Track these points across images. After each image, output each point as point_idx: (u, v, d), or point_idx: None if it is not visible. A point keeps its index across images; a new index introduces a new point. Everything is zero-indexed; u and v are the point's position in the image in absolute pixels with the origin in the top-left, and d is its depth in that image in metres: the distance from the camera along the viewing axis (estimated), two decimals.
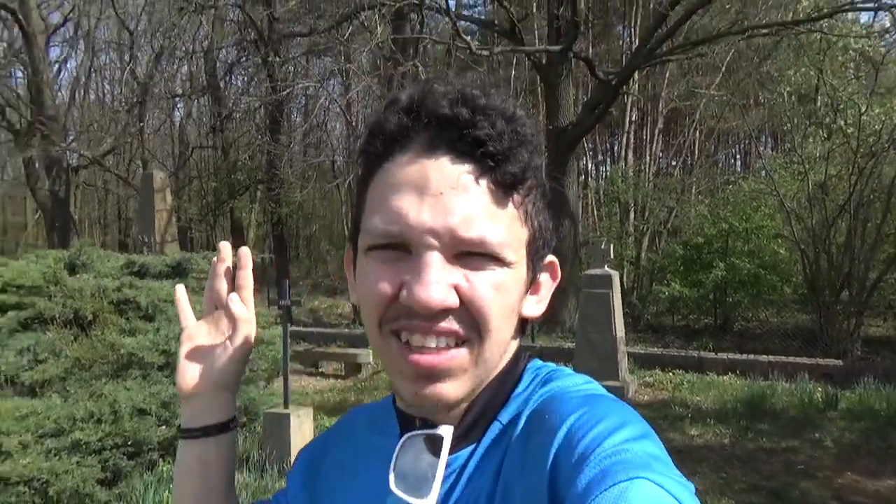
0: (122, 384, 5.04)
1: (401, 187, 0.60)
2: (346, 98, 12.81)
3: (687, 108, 16.19)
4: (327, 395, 8.82)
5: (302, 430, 5.24)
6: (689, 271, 12.20)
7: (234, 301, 0.80)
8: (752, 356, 9.09)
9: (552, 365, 0.72)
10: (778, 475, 5.26)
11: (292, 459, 5.19)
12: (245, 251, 0.83)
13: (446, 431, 0.64)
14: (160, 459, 4.91)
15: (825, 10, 10.20)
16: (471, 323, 0.60)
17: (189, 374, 0.80)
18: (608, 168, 18.95)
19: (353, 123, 14.16)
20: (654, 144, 16.61)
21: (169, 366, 5.40)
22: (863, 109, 10.19)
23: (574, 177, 12.47)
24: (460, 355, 0.61)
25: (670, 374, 8.85)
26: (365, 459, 0.74)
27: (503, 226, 0.61)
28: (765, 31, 10.94)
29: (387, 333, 0.62)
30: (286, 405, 5.30)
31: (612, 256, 8.39)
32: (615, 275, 8.25)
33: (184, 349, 0.81)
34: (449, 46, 12.08)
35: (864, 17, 13.10)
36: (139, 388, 5.03)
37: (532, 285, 0.68)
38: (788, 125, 13.07)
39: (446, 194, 0.59)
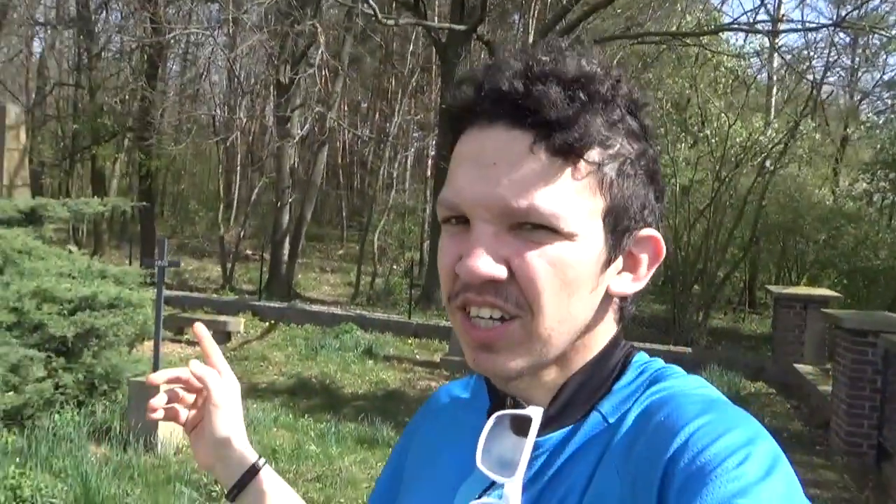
0: None
1: (463, 160, 0.62)
2: (233, 53, 12.09)
3: None
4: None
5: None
6: None
7: (193, 364, 0.86)
8: None
9: (661, 361, 0.67)
10: None
11: (159, 432, 4.90)
12: (198, 328, 0.90)
13: (535, 412, 0.60)
14: (5, 430, 4.45)
15: (708, 27, 10.91)
16: (520, 297, 0.59)
17: (197, 452, 0.88)
18: None
19: (239, 78, 13.44)
20: None
21: (20, 325, 4.88)
22: (731, 123, 11.05)
23: None
24: (511, 330, 0.60)
25: None
26: (452, 436, 0.74)
27: (561, 195, 0.58)
28: (654, 39, 11.53)
29: (454, 307, 0.63)
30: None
31: None
32: None
33: (190, 435, 0.89)
34: (350, 9, 11.70)
35: (737, 40, 14.20)
36: None
37: (623, 260, 0.64)
38: (661, 130, 13.95)
39: (499, 165, 0.59)
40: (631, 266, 0.64)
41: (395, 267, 15.61)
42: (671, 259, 11.71)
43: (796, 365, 8.12)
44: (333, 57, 12.84)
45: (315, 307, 11.30)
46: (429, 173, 17.52)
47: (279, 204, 12.53)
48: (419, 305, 11.97)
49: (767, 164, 11.65)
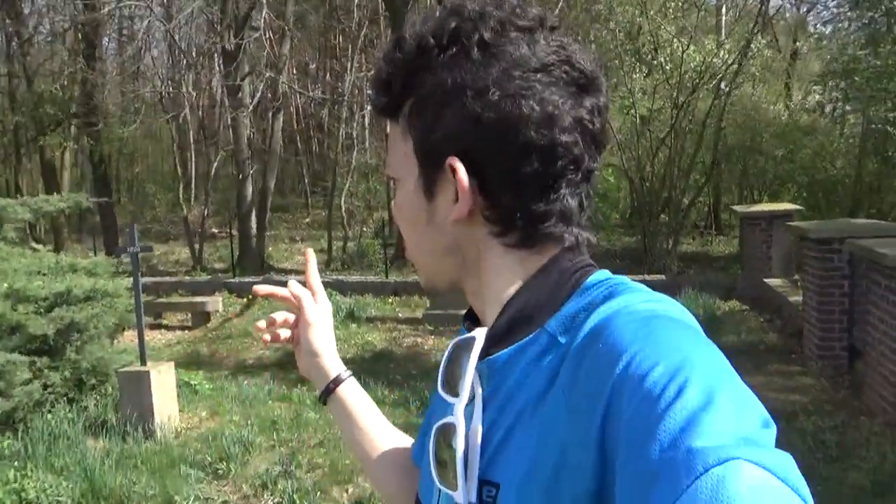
0: None
1: None
2: (172, 24, 11.64)
3: None
4: (177, 348, 8.36)
5: (165, 387, 4.94)
6: None
7: (291, 284, 1.00)
8: None
9: (621, 277, 0.67)
10: None
11: (156, 418, 4.91)
12: (308, 252, 1.03)
13: (479, 332, 0.66)
14: None
15: None
16: None
17: (298, 362, 1.03)
18: None
19: (182, 50, 12.98)
20: None
21: None
22: (684, 48, 11.06)
23: None
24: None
25: None
26: None
27: (393, 150, 0.72)
28: None
29: None
30: (143, 362, 4.95)
31: None
32: None
33: (294, 348, 1.03)
34: None
35: None
36: None
37: (453, 190, 0.66)
38: (616, 61, 13.91)
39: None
40: (455, 194, 0.66)
41: (364, 229, 15.52)
42: (637, 190, 11.85)
43: (766, 280, 8.38)
44: (277, 17, 12.45)
45: (291, 277, 11.21)
46: (388, 130, 17.25)
47: (241, 176, 12.29)
48: (394, 264, 11.98)
49: (723, 86, 11.74)
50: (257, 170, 13.52)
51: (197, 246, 13.74)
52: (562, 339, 0.62)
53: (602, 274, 0.67)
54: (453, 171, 0.65)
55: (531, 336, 0.64)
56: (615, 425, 0.51)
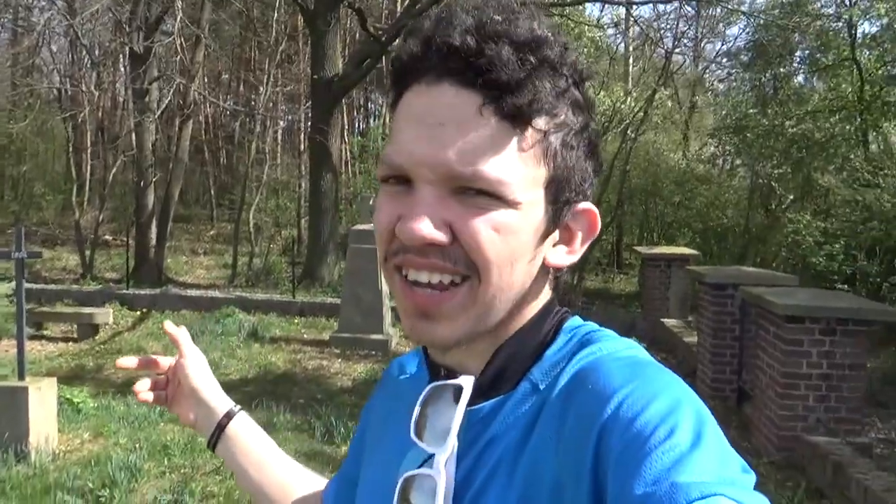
0: None
1: (409, 118, 0.60)
2: (76, 20, 10.99)
3: None
4: (58, 362, 7.74)
5: (44, 405, 4.53)
6: None
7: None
8: None
9: (592, 324, 0.67)
10: None
11: (31, 440, 4.49)
12: (168, 326, 1.00)
13: (466, 381, 0.62)
14: None
15: None
16: (466, 261, 0.58)
17: (179, 412, 0.97)
18: (364, 124, 19.04)
19: (86, 47, 12.27)
20: None
21: None
22: (595, 92, 11.59)
23: (338, 130, 12.32)
24: (456, 295, 0.59)
25: None
26: (398, 409, 0.72)
27: (507, 162, 0.57)
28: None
29: (391, 268, 0.62)
30: (21, 376, 4.52)
31: None
32: None
33: (170, 406, 0.99)
34: None
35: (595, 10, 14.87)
36: None
37: (559, 232, 0.64)
38: None
39: (446, 126, 0.57)
40: (567, 238, 0.65)
41: (272, 246, 15.10)
42: None
43: (663, 320, 8.79)
44: (192, 23, 12.04)
45: (191, 292, 10.73)
46: (302, 147, 16.99)
47: (142, 183, 11.67)
48: (302, 284, 11.71)
49: (629, 131, 12.37)
50: (160, 178, 12.90)
51: (88, 253, 12.89)
52: (541, 387, 0.62)
53: (576, 320, 0.68)
54: (590, 218, 0.64)
55: (516, 386, 0.63)
56: (606, 461, 0.52)
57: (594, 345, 0.62)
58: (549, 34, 0.58)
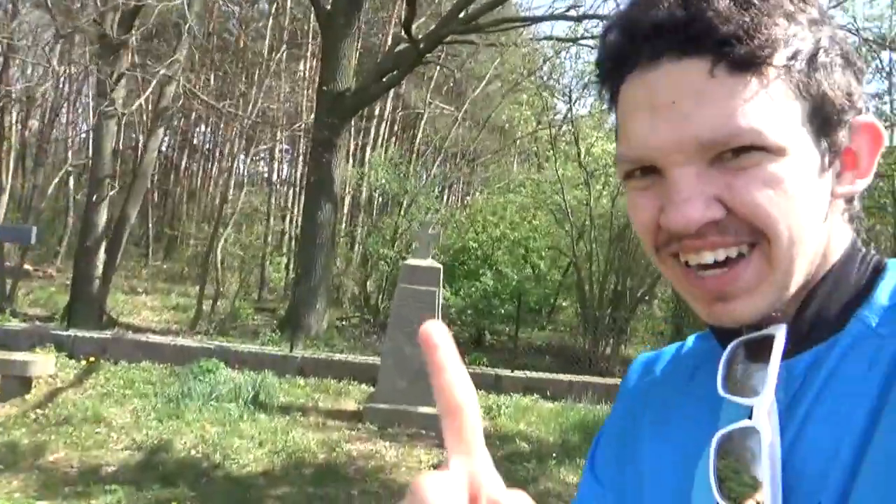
0: None
1: (634, 109, 0.57)
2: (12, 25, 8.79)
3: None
4: None
5: None
6: (452, 278, 11.09)
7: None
8: (549, 374, 8.31)
9: None
10: None
11: None
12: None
13: (778, 329, 0.56)
14: None
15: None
16: (749, 228, 0.54)
17: None
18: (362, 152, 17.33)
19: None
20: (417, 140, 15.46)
21: None
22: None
23: (345, 152, 10.45)
24: (749, 266, 0.55)
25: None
26: (671, 405, 0.66)
27: (757, 110, 0.53)
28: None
29: (665, 257, 0.58)
30: None
31: (437, 246, 6.73)
32: (440, 270, 6.51)
33: None
34: None
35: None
36: None
37: (841, 159, 0.57)
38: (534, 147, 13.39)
39: (679, 101, 0.54)
40: (850, 162, 0.58)
41: (235, 287, 12.80)
42: (584, 279, 10.64)
43: None
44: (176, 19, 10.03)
45: (153, 338, 8.35)
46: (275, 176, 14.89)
47: (94, 199, 9.29)
48: (284, 334, 9.55)
49: None
50: (114, 195, 10.49)
51: (9, 283, 10.26)
52: (882, 331, 0.54)
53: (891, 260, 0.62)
54: (868, 130, 0.58)
55: (840, 330, 0.56)
56: None
57: None
58: None
